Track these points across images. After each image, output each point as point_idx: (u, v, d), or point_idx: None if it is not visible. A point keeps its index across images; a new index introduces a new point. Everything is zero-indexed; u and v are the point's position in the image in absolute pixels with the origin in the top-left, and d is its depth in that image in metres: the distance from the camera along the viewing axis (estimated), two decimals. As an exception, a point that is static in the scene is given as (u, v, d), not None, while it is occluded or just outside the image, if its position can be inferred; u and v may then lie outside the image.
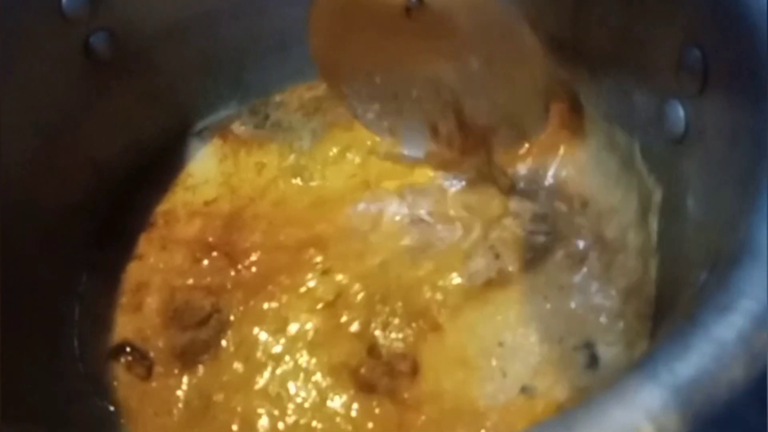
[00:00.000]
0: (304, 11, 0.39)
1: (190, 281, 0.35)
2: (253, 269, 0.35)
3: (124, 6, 0.34)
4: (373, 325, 0.33)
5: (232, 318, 0.34)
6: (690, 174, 0.29)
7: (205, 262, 0.36)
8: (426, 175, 0.37)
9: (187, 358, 0.33)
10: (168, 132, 0.39)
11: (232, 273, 0.35)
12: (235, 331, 0.33)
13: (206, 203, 0.38)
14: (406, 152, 0.37)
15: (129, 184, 0.38)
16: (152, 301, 0.35)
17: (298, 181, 0.38)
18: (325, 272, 0.34)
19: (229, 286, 0.35)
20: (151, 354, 0.33)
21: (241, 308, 0.34)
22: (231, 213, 0.37)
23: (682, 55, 0.29)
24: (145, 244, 0.37)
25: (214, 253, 0.36)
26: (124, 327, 0.34)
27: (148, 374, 0.33)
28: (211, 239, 0.36)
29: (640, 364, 0.17)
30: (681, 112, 0.29)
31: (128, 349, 0.33)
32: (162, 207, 0.38)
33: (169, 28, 0.36)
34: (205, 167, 0.39)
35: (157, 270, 0.36)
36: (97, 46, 0.34)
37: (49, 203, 0.34)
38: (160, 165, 0.39)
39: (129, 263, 0.36)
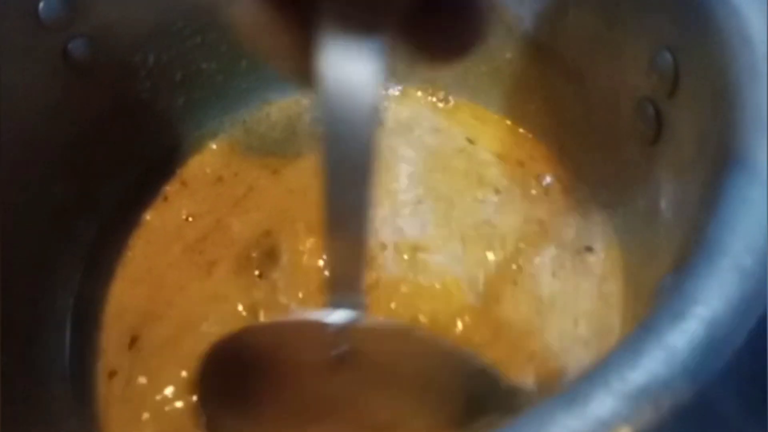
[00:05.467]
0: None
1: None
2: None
3: (103, 12, 0.34)
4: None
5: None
6: (662, 176, 0.29)
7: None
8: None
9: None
10: (150, 139, 0.39)
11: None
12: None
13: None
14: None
15: (111, 191, 0.38)
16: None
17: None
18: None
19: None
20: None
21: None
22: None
23: (653, 57, 0.29)
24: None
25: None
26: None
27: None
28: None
29: (591, 372, 0.17)
30: (654, 115, 0.30)
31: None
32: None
33: (148, 34, 0.36)
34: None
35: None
36: (75, 53, 0.34)
37: (29, 211, 0.34)
38: (145, 175, 0.39)
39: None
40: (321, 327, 0.22)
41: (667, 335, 0.18)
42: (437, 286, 0.35)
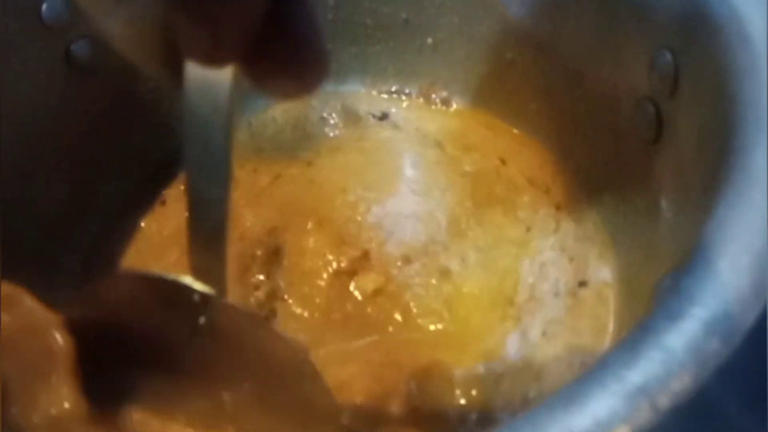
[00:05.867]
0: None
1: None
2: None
3: (105, 14, 0.34)
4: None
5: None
6: (663, 175, 0.29)
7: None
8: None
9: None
10: (153, 141, 0.39)
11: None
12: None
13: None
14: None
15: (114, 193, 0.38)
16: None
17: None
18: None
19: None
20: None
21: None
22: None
23: (653, 57, 0.29)
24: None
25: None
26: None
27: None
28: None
29: (589, 372, 0.17)
30: (654, 114, 0.30)
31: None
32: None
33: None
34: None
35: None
36: (78, 54, 0.34)
37: (32, 209, 0.34)
38: (148, 175, 0.39)
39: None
40: (188, 293, 0.24)
41: (665, 336, 0.18)
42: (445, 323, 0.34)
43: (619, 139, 0.33)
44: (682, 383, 0.17)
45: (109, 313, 0.26)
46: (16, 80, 0.32)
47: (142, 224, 0.38)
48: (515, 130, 0.40)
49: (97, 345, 0.26)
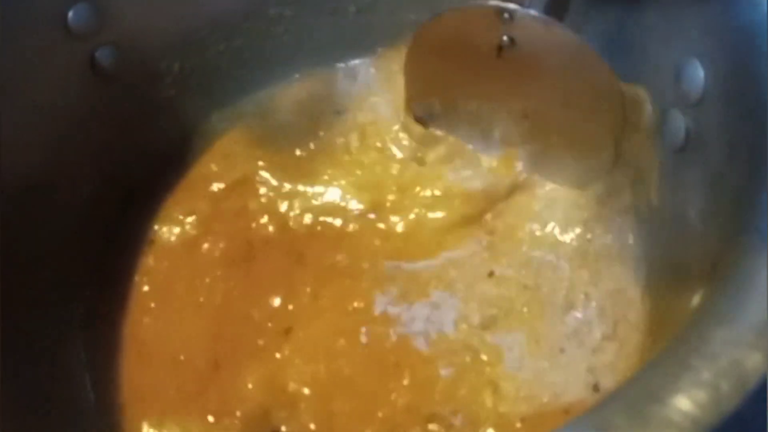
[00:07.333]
0: (308, 23, 0.39)
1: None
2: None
3: (129, 21, 0.34)
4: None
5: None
6: (691, 184, 0.29)
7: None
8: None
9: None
10: (173, 142, 0.39)
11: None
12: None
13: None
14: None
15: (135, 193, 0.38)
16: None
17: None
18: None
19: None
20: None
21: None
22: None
23: (681, 66, 0.29)
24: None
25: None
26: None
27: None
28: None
29: (615, 395, 0.17)
30: (682, 122, 0.29)
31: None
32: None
33: (174, 42, 0.36)
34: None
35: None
36: (102, 60, 0.34)
37: (55, 215, 0.34)
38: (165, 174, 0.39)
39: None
40: (495, 15, 0.31)
41: (697, 357, 0.17)
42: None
43: (647, 146, 0.33)
44: (721, 407, 0.16)
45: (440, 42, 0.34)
46: (40, 86, 0.32)
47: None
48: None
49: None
